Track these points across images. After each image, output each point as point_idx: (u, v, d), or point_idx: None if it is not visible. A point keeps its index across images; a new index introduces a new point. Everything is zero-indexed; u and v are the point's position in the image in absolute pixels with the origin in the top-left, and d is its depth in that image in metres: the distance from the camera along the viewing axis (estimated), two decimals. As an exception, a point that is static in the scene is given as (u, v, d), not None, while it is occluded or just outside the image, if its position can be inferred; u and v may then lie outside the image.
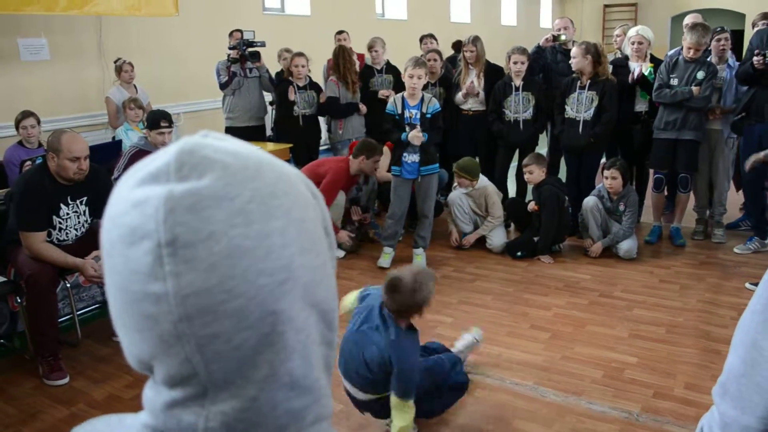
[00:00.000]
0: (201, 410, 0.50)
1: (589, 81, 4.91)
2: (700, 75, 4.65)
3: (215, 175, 0.48)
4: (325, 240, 0.57)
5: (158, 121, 4.09)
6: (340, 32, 6.66)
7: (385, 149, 5.07)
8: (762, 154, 4.13)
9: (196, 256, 0.47)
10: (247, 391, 0.50)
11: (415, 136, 4.45)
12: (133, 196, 0.49)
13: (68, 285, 3.56)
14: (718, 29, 4.96)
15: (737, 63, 4.89)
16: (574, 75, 5.03)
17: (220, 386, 0.50)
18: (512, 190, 5.78)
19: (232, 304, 0.48)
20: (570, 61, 4.96)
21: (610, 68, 5.11)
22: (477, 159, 5.44)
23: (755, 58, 4.36)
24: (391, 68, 6.02)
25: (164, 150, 0.51)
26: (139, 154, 4.09)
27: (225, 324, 0.48)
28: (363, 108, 5.75)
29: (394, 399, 2.45)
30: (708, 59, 4.75)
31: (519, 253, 4.88)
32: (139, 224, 0.48)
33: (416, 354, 2.52)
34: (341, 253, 5.03)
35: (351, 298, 2.84)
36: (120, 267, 0.49)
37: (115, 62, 5.84)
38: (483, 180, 5.08)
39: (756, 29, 4.86)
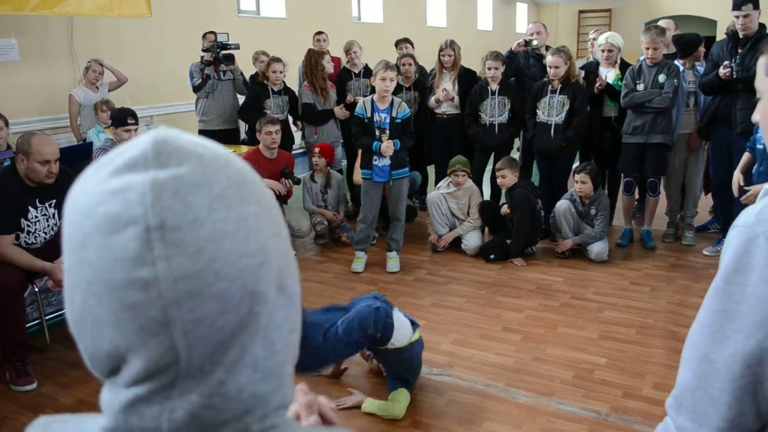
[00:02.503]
0: (166, 402, 0.50)
1: (560, 85, 4.97)
2: (662, 78, 4.74)
3: (192, 163, 0.50)
4: (286, 228, 0.59)
5: (124, 117, 4.04)
6: (318, 33, 6.63)
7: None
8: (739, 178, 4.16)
9: (184, 240, 0.48)
10: (215, 376, 0.50)
11: (387, 147, 4.47)
12: (109, 185, 0.49)
13: (36, 289, 3.51)
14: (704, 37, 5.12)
15: (701, 67, 5.01)
16: (545, 79, 5.08)
17: (192, 374, 0.50)
18: (486, 193, 5.82)
19: (217, 286, 0.49)
20: (549, 69, 5.00)
21: (581, 73, 5.18)
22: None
23: (722, 70, 4.47)
24: (368, 72, 6.02)
25: (134, 142, 0.51)
26: (106, 156, 4.05)
27: (211, 307, 0.49)
28: (339, 112, 5.72)
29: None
30: (669, 62, 4.84)
31: (492, 256, 4.92)
32: (122, 211, 0.48)
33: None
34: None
35: None
36: (95, 258, 0.49)
37: (87, 62, 5.79)
38: (469, 181, 5.13)
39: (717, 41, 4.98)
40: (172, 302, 0.48)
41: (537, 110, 5.10)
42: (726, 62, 4.50)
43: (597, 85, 5.05)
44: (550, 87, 5.03)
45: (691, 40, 5.03)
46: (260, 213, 0.53)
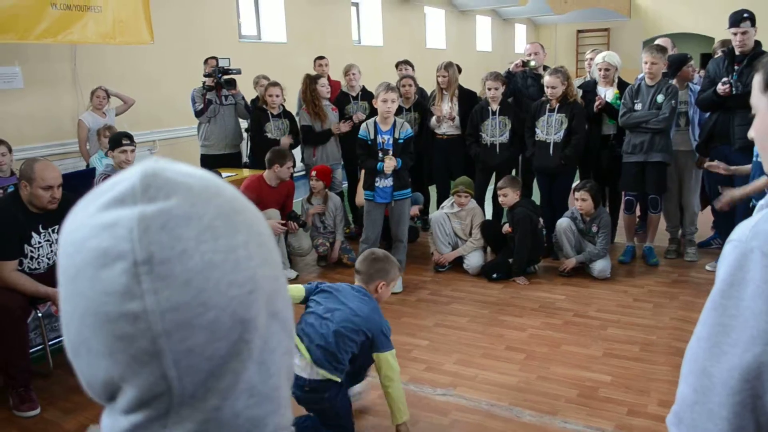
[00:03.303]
0: (163, 430, 0.51)
1: (558, 104, 5.01)
2: (660, 98, 4.77)
3: (181, 195, 0.51)
4: (278, 253, 0.60)
5: (119, 140, 4.10)
6: (320, 58, 6.71)
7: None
8: (738, 192, 4.17)
9: (172, 272, 0.49)
10: (210, 403, 0.51)
11: (389, 165, 4.50)
12: (99, 220, 0.50)
13: (40, 314, 3.51)
14: (689, 57, 5.14)
15: (696, 86, 5.05)
16: (543, 98, 5.12)
17: (186, 402, 0.51)
18: (489, 213, 5.83)
19: (206, 316, 0.50)
20: (546, 89, 5.04)
21: (579, 92, 5.22)
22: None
23: (721, 87, 4.50)
24: (366, 94, 6.08)
25: (124, 175, 0.52)
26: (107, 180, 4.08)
27: (200, 336, 0.50)
28: (335, 127, 5.74)
29: (382, 356, 2.70)
30: (668, 82, 4.88)
31: (494, 275, 4.91)
32: (111, 246, 0.49)
33: (383, 320, 2.79)
34: (292, 274, 5.07)
35: (298, 290, 2.87)
36: (87, 291, 0.50)
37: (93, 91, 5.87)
38: (472, 201, 5.15)
39: (713, 57, 5.01)
40: (162, 334, 0.49)
41: (536, 129, 5.14)
42: (725, 79, 4.53)
43: (596, 104, 5.09)
44: (548, 106, 5.07)
45: (676, 58, 5.08)
46: (250, 241, 0.53)
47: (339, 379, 2.67)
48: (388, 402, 2.74)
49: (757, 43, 4.57)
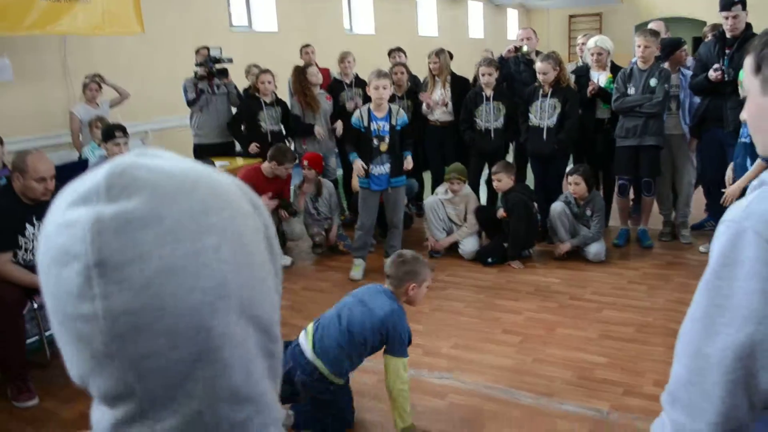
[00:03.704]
0: (147, 422, 0.51)
1: (551, 89, 5.01)
2: (653, 82, 4.77)
3: (144, 196, 0.49)
4: (266, 253, 0.57)
5: (113, 132, 4.10)
6: (306, 46, 6.68)
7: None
8: (738, 187, 4.16)
9: (126, 276, 0.47)
10: (190, 407, 0.51)
11: (407, 161, 4.63)
12: (64, 217, 0.50)
13: (36, 306, 3.51)
14: (682, 41, 5.14)
15: (687, 70, 5.05)
16: (536, 83, 5.12)
17: (162, 403, 0.51)
18: (483, 198, 5.84)
19: (164, 322, 0.48)
20: (538, 75, 5.04)
21: (572, 77, 5.22)
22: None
23: (713, 73, 4.51)
24: (360, 82, 6.06)
25: (94, 172, 0.51)
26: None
27: (158, 342, 0.49)
28: (317, 131, 5.72)
29: (393, 360, 2.67)
30: (661, 66, 4.88)
31: (490, 260, 4.93)
32: (70, 246, 0.49)
33: (405, 324, 2.74)
34: (287, 261, 5.07)
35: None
36: (53, 287, 0.50)
37: (84, 78, 5.83)
38: (466, 187, 5.15)
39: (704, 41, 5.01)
40: (115, 337, 0.48)
41: (529, 114, 5.14)
42: (716, 65, 4.54)
43: (590, 89, 5.09)
44: (541, 91, 5.06)
45: (669, 41, 5.09)
46: (222, 244, 0.51)
47: (340, 382, 2.69)
48: (391, 405, 2.73)
49: (748, 26, 4.57)
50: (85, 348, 0.50)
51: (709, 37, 5.06)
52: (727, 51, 4.58)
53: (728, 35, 4.58)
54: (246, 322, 0.53)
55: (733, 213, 0.91)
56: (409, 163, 4.68)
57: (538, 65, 5.03)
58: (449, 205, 5.17)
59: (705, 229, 5.42)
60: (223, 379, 0.52)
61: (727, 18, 4.52)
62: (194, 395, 0.51)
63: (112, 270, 0.47)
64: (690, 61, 5.39)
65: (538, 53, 5.72)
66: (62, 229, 0.49)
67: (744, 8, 4.48)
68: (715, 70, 4.51)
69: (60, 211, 0.51)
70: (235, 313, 0.51)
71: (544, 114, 5.05)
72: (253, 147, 5.61)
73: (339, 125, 5.71)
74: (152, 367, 0.49)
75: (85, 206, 0.49)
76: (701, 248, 5.01)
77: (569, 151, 5.31)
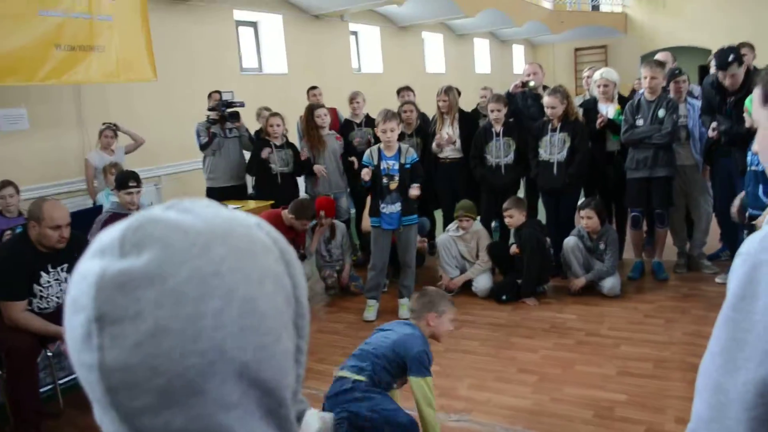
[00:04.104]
0: None
1: (560, 123, 5.03)
2: (661, 113, 4.78)
3: (153, 254, 0.50)
4: (286, 314, 0.56)
5: (126, 181, 4.13)
6: (313, 88, 6.77)
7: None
8: (762, 221, 4.15)
9: (122, 333, 0.48)
10: None
11: (414, 187, 4.59)
12: (82, 267, 0.52)
13: (50, 354, 3.52)
14: (676, 72, 5.12)
15: (695, 100, 5.05)
16: (545, 118, 5.14)
17: None
18: (496, 234, 5.82)
19: (155, 381, 0.49)
20: (546, 110, 5.06)
21: (580, 111, 5.25)
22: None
23: (711, 132, 4.56)
24: (370, 121, 6.13)
25: (119, 224, 0.53)
26: (112, 218, 4.10)
27: (150, 399, 0.49)
28: (317, 169, 5.76)
29: (415, 381, 2.74)
30: (669, 96, 4.89)
31: (504, 297, 4.89)
32: (79, 296, 0.51)
33: (427, 347, 2.85)
34: None
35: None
36: (68, 332, 0.52)
37: (101, 125, 5.93)
38: (477, 223, 5.14)
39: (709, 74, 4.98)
40: (111, 389, 0.49)
41: (539, 149, 5.15)
42: (714, 124, 4.52)
43: (599, 122, 5.11)
44: (550, 125, 5.09)
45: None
46: (226, 308, 0.50)
47: (362, 379, 2.74)
48: (422, 425, 2.76)
49: (747, 73, 4.52)
50: (91, 393, 0.51)
51: (712, 67, 5.04)
52: (728, 99, 4.56)
53: (728, 89, 4.56)
54: (247, 386, 0.52)
55: (749, 245, 0.90)
56: (415, 189, 4.58)
57: (546, 100, 5.05)
58: (461, 242, 5.16)
59: (721, 260, 5.37)
60: None
61: (724, 77, 4.49)
62: None
63: (110, 325, 0.49)
64: (697, 90, 5.39)
65: (545, 87, 5.76)
66: (78, 279, 0.51)
67: (740, 65, 4.43)
68: (713, 129, 4.52)
69: (84, 260, 0.53)
70: (233, 378, 0.51)
71: (554, 149, 5.07)
72: (266, 151, 5.62)
73: (355, 160, 5.76)
74: (146, 423, 0.50)
75: (100, 259, 0.51)
76: (717, 279, 4.95)
77: (580, 184, 5.30)
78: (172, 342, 0.48)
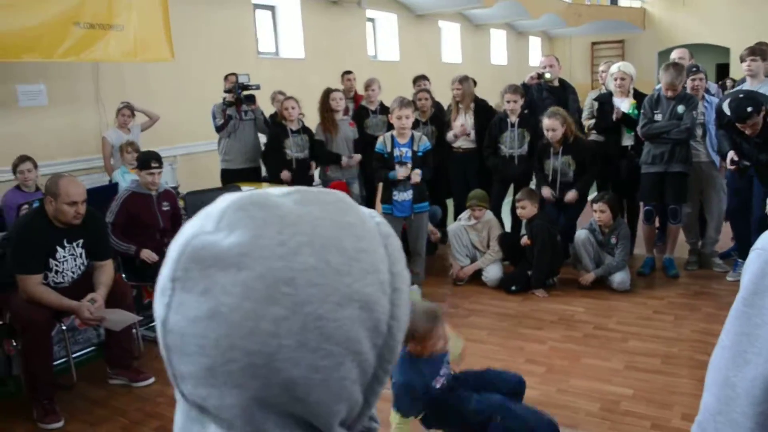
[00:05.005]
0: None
1: (561, 146, 5.02)
2: (680, 109, 4.75)
3: (240, 239, 0.49)
4: (362, 342, 0.51)
5: (149, 161, 4.17)
6: (348, 72, 6.78)
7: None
8: None
9: (187, 303, 0.49)
10: None
11: (416, 173, 4.54)
12: (188, 223, 0.53)
13: (64, 328, 3.57)
14: (693, 69, 5.06)
15: (712, 98, 5.00)
16: (544, 141, 5.11)
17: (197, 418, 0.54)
18: (507, 225, 5.82)
19: (201, 359, 0.49)
20: (546, 132, 5.02)
21: (595, 104, 5.23)
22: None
23: (730, 166, 4.41)
24: (385, 109, 6.12)
25: (235, 195, 0.53)
26: (132, 197, 4.15)
27: (194, 371, 0.50)
28: (345, 162, 5.78)
29: (392, 411, 2.56)
30: (688, 93, 4.85)
31: (513, 288, 4.90)
32: (171, 250, 0.52)
33: (412, 374, 2.54)
34: None
35: None
36: (159, 279, 0.53)
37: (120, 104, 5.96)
38: (488, 213, 5.15)
39: (725, 94, 4.73)
40: (167, 347, 0.51)
41: (545, 171, 5.15)
42: (731, 155, 4.40)
43: (616, 115, 5.08)
44: (552, 149, 5.07)
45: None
46: (289, 319, 0.48)
47: None
48: None
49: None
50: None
51: (748, 61, 4.85)
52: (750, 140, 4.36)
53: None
54: (292, 400, 0.50)
55: (763, 241, 0.90)
56: (416, 175, 4.57)
57: (546, 121, 4.99)
58: (472, 232, 5.17)
59: (731, 258, 5.35)
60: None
61: (744, 128, 4.26)
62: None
63: (180, 290, 0.50)
64: (713, 87, 5.33)
65: (561, 81, 5.74)
66: (179, 233, 0.52)
67: (759, 112, 4.15)
68: (732, 162, 4.38)
69: (194, 216, 0.54)
70: (276, 388, 0.49)
71: (557, 174, 5.07)
72: (285, 174, 5.66)
73: (357, 157, 5.77)
74: (188, 390, 0.52)
75: (198, 224, 0.51)
76: (729, 277, 4.94)
77: (585, 197, 5.27)
78: (224, 330, 0.48)
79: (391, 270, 0.54)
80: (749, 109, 4.14)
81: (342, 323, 0.50)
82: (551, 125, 4.95)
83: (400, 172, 4.55)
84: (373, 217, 0.56)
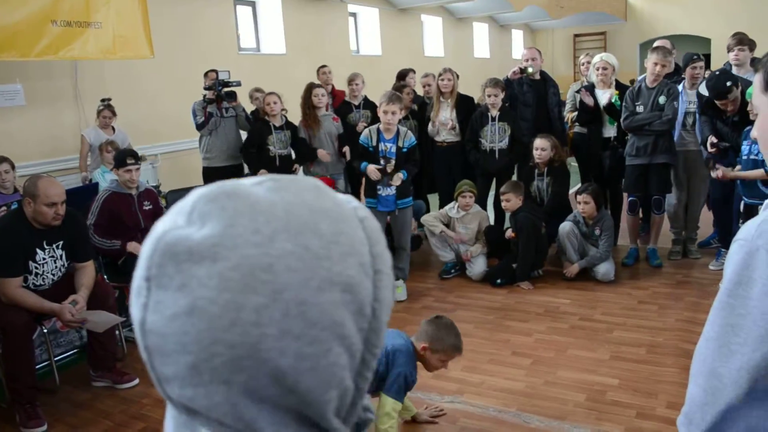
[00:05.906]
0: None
1: (546, 167, 5.09)
2: (662, 100, 4.77)
3: (214, 230, 0.47)
4: (347, 326, 0.50)
5: (124, 159, 4.11)
6: (323, 66, 6.70)
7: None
8: (732, 174, 4.21)
9: (164, 300, 0.48)
10: None
11: (398, 177, 4.55)
12: (160, 221, 0.52)
13: (45, 330, 3.52)
14: (695, 56, 5.07)
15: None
16: (531, 163, 5.19)
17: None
18: (491, 218, 5.82)
19: (184, 357, 0.48)
20: (535, 152, 5.08)
21: (577, 96, 5.25)
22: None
23: (710, 149, 4.48)
24: (368, 104, 6.09)
25: (205, 187, 0.52)
26: (112, 196, 4.09)
27: (178, 371, 0.48)
28: (321, 153, 5.71)
29: (385, 399, 2.62)
30: (669, 83, 4.87)
31: (498, 281, 4.91)
32: (143, 250, 0.50)
33: (412, 369, 2.71)
34: None
35: None
36: (133, 281, 0.52)
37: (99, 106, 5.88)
38: (476, 206, 5.16)
39: (707, 79, 4.81)
40: (147, 349, 0.50)
41: (531, 192, 5.21)
42: (712, 139, 4.47)
43: (604, 104, 5.13)
44: (537, 170, 5.15)
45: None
46: (269, 307, 0.47)
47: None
48: None
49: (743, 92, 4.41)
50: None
51: (735, 50, 4.90)
52: (727, 119, 4.49)
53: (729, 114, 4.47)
54: (284, 390, 0.49)
55: (745, 232, 0.90)
56: (398, 179, 4.59)
57: (537, 141, 5.07)
58: (460, 224, 5.15)
59: (711, 247, 5.40)
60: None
61: (725, 105, 4.39)
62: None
63: (156, 288, 0.48)
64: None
65: (542, 74, 5.74)
66: (151, 232, 0.51)
67: (738, 87, 4.31)
68: (712, 145, 4.46)
69: (165, 214, 0.52)
70: (265, 378, 0.48)
71: (541, 192, 5.17)
72: (264, 173, 5.60)
73: (347, 150, 5.72)
74: (173, 392, 0.50)
75: (170, 219, 0.50)
76: (711, 266, 4.98)
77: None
78: (204, 325, 0.46)
79: (371, 252, 0.53)
80: (728, 83, 4.26)
81: (325, 307, 0.49)
82: (542, 145, 5.03)
83: (378, 168, 4.54)
84: (350, 201, 0.55)
